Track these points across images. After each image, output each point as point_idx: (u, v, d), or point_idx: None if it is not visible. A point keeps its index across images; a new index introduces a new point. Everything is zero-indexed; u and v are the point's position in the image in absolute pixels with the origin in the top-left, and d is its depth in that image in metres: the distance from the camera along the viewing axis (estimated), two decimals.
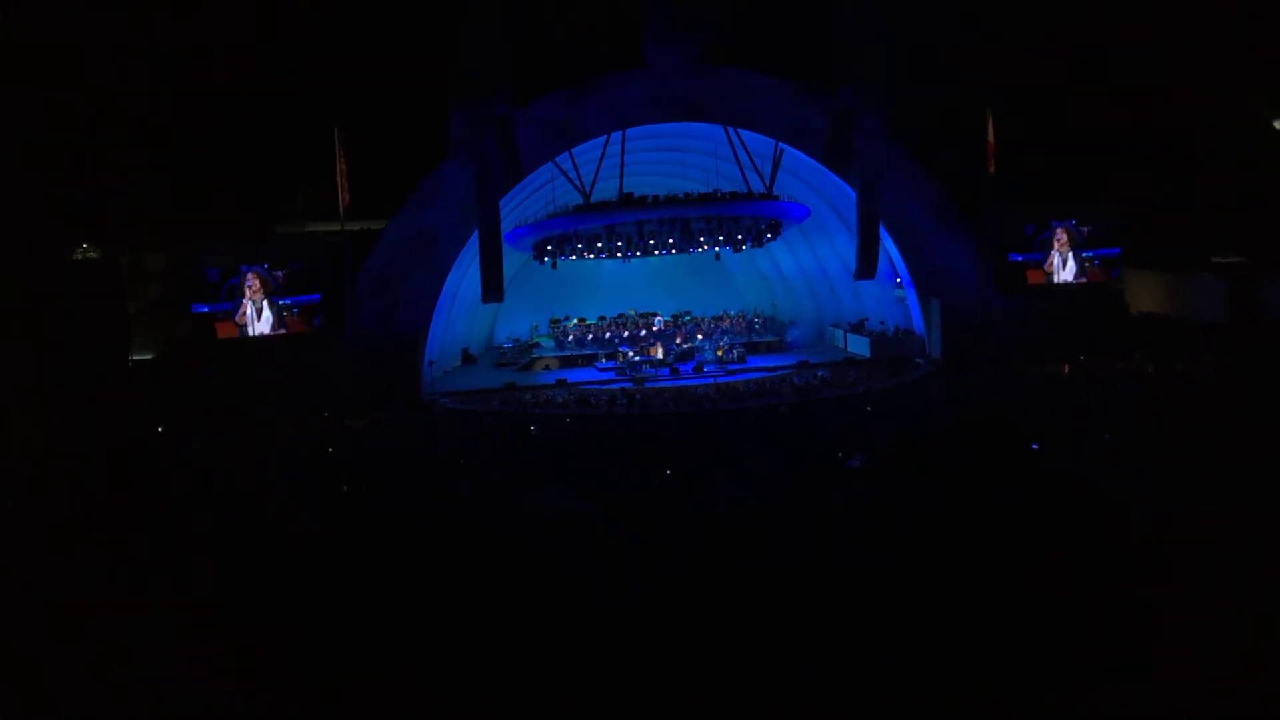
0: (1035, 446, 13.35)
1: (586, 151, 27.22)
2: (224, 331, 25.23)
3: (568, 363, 30.78)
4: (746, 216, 27.10)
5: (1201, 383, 21.64)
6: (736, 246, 27.96)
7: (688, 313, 33.45)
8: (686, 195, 28.16)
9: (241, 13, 30.13)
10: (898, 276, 29.90)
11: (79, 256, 28.12)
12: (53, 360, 21.62)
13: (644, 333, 31.76)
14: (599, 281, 33.59)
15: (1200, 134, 30.67)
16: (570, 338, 31.89)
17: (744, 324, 32.96)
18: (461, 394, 26.61)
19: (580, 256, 27.79)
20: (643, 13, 27.48)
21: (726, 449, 17.05)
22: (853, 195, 27.78)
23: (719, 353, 30.42)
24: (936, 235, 28.43)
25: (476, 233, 25.70)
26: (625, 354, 30.18)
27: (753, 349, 31.37)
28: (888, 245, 28.64)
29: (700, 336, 31.87)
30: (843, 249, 30.85)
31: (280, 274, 25.58)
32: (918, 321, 29.49)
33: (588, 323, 32.47)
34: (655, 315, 32.62)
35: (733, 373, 28.42)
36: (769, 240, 29.01)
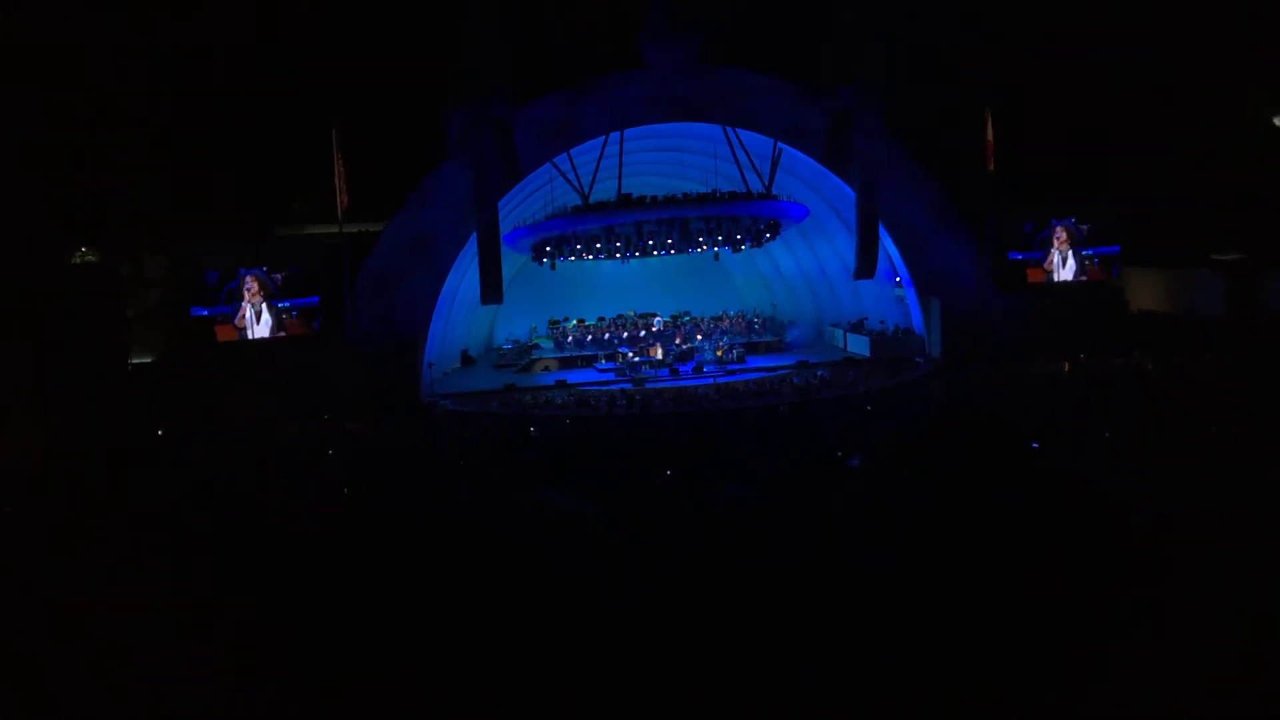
0: (1035, 445, 13.34)
1: (585, 152, 27.23)
2: (223, 334, 25.26)
3: (567, 364, 30.80)
4: (745, 216, 27.13)
5: (1201, 380, 21.63)
6: (736, 246, 27.97)
7: (687, 313, 33.46)
8: (685, 195, 28.18)
9: (241, 13, 30.13)
10: (897, 276, 29.91)
11: (78, 260, 28.09)
12: (52, 362, 21.62)
13: (643, 333, 31.77)
14: (598, 282, 33.61)
15: (1200, 132, 30.66)
16: (569, 339, 31.91)
17: (743, 324, 32.97)
18: (461, 395, 26.62)
19: (579, 257, 27.82)
20: (642, 13, 27.51)
21: (726, 449, 17.04)
22: (852, 195, 27.80)
23: (718, 353, 30.43)
24: (936, 235, 28.45)
25: (475, 234, 25.71)
26: (625, 355, 30.19)
27: (752, 349, 31.39)
28: (887, 245, 28.65)
29: (700, 337, 31.89)
30: (842, 248, 30.86)
31: (279, 277, 25.60)
32: (917, 321, 29.50)
33: (587, 324, 32.48)
34: (654, 316, 32.63)
35: (732, 373, 28.45)
36: (768, 240, 29.04)
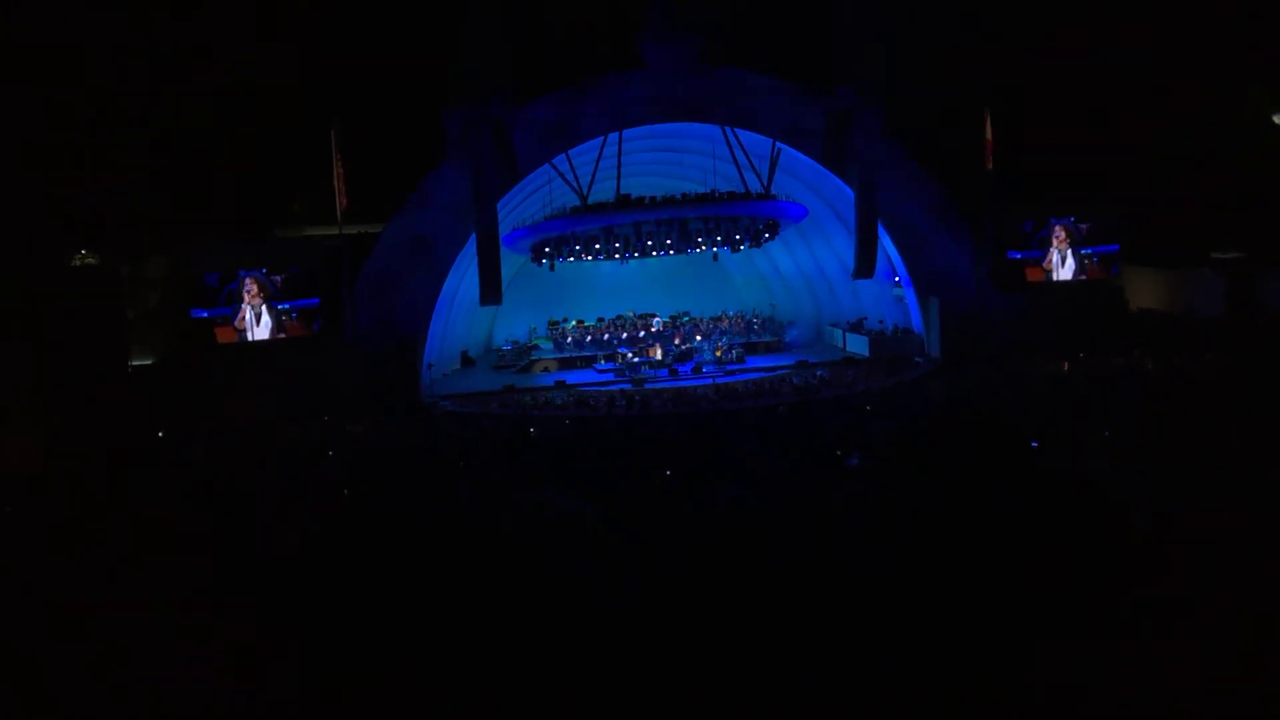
0: (1035, 445, 13.34)
1: (584, 152, 27.22)
2: (223, 336, 25.26)
3: (566, 364, 30.79)
4: (744, 216, 27.12)
5: (1201, 380, 21.63)
6: (735, 247, 27.97)
7: (686, 313, 33.44)
8: (684, 196, 28.16)
9: (241, 13, 30.13)
10: (896, 276, 29.90)
11: (77, 263, 28.10)
12: (52, 362, 21.63)
13: (642, 334, 31.76)
14: (597, 283, 33.59)
15: (1200, 131, 30.66)
16: (569, 339, 31.89)
17: (742, 324, 32.96)
18: (461, 396, 26.61)
19: (578, 258, 27.80)
20: (642, 13, 27.49)
21: (726, 449, 17.04)
22: (851, 195, 27.79)
23: (718, 353, 30.42)
24: (935, 234, 28.44)
25: (474, 235, 25.71)
26: (624, 355, 30.18)
27: (751, 349, 31.38)
28: (886, 244, 28.65)
29: (699, 337, 31.87)
30: (841, 249, 30.85)
31: (279, 278, 25.59)
32: (916, 320, 29.49)
33: (586, 324, 32.47)
34: (654, 316, 32.61)
35: (731, 373, 28.44)
36: (767, 240, 29.03)
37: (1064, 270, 29.22)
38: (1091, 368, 24.68)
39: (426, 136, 27.04)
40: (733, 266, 34.76)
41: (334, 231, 26.49)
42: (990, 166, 27.42)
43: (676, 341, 31.45)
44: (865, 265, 28.01)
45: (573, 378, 28.55)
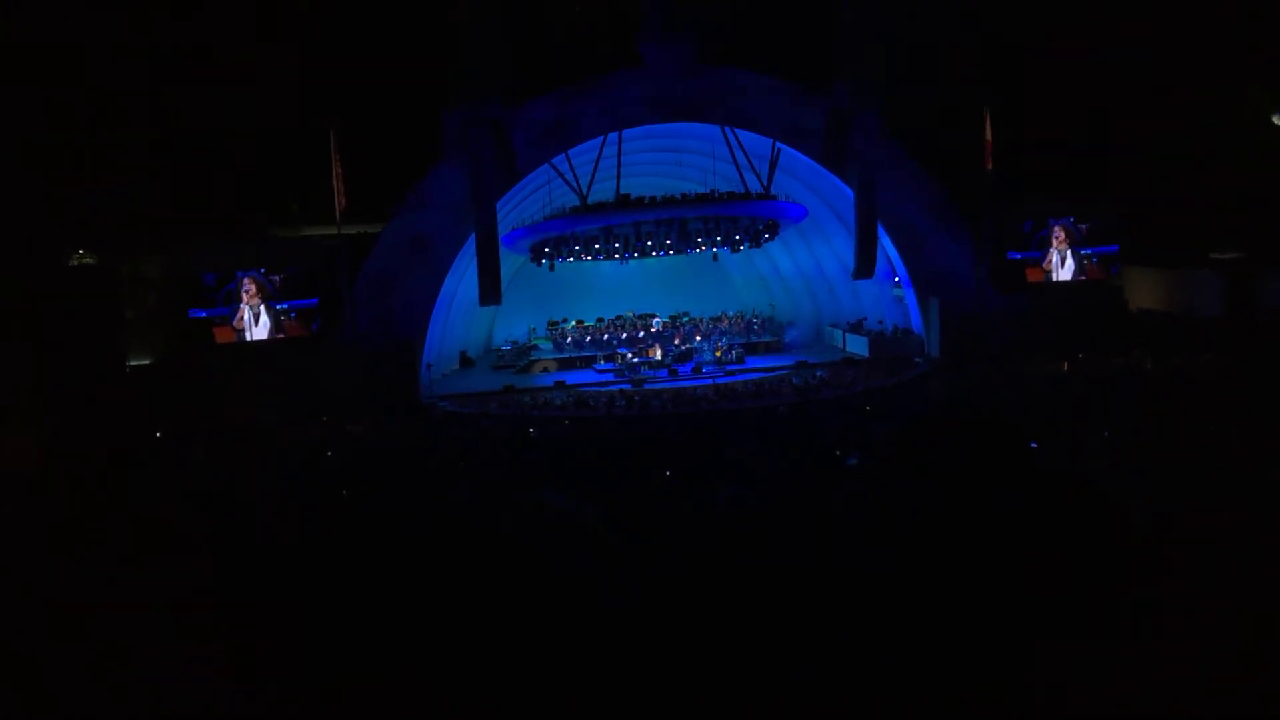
0: (1035, 445, 13.33)
1: (584, 152, 27.21)
2: (222, 336, 25.25)
3: (566, 365, 30.77)
4: (744, 217, 27.12)
5: (1201, 380, 21.62)
6: (734, 247, 27.96)
7: (686, 314, 33.42)
8: (684, 196, 28.16)
9: (241, 13, 30.11)
10: (896, 276, 29.89)
11: (76, 263, 28.07)
12: (52, 362, 21.61)
13: (642, 334, 31.74)
14: (596, 283, 33.57)
15: (1200, 132, 30.66)
16: (568, 340, 31.87)
17: (742, 324, 32.94)
18: (460, 397, 26.59)
19: (578, 258, 27.79)
20: (641, 13, 27.48)
21: (725, 449, 17.02)
22: (851, 195, 27.78)
23: (717, 353, 30.40)
24: (935, 234, 28.44)
25: (474, 235, 25.69)
26: (624, 355, 30.16)
27: (751, 349, 31.36)
28: (886, 245, 28.65)
29: (699, 337, 31.86)
30: (841, 249, 30.84)
31: (277, 279, 25.58)
32: (916, 321, 29.49)
33: (586, 325, 32.44)
34: (653, 316, 32.59)
35: (731, 373, 28.42)
36: (767, 240, 29.03)
37: (1064, 270, 29.22)
38: (1091, 368, 24.66)
39: (425, 136, 27.02)
40: (732, 267, 34.74)
41: (333, 232, 26.47)
42: (990, 166, 27.41)
43: (676, 342, 31.44)
44: (865, 265, 28.00)
45: (572, 378, 28.54)
